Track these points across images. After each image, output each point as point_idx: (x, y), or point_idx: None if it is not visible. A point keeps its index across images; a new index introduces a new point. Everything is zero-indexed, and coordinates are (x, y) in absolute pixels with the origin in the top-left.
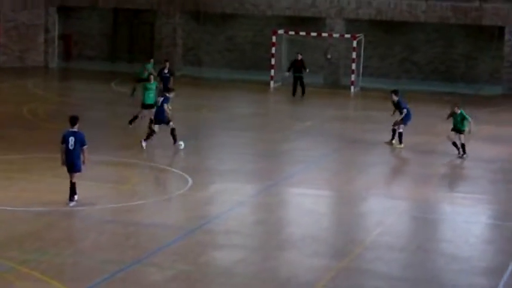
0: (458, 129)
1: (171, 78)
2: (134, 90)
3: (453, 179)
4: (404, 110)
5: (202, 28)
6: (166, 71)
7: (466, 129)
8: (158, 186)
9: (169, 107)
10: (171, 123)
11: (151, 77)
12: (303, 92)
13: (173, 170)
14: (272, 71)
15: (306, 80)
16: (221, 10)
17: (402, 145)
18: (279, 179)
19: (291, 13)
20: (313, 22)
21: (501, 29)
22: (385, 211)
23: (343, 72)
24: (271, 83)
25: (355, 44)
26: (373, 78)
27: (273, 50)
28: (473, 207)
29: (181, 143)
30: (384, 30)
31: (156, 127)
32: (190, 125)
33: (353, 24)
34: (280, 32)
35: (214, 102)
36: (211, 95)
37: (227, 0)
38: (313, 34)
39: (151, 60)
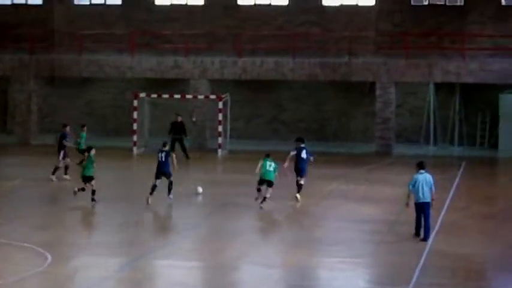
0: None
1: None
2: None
3: (329, 242)
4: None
5: (59, 92)
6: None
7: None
8: (13, 264)
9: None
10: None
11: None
12: (187, 156)
13: (29, 245)
14: (135, 137)
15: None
16: (78, 74)
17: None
18: (145, 251)
19: (153, 75)
20: (177, 84)
21: (372, 84)
22: (260, 280)
23: (210, 135)
24: (134, 149)
25: (220, 105)
26: (241, 140)
27: (135, 114)
28: (350, 271)
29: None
30: (250, 89)
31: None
32: (45, 195)
33: (218, 85)
34: (142, 95)
35: (72, 171)
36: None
37: (84, 63)
38: (177, 96)
39: (85, 128)
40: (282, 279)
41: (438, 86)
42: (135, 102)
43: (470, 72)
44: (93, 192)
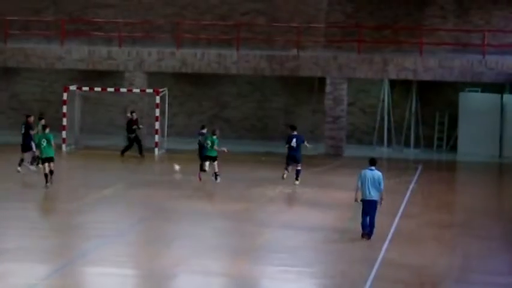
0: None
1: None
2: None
3: (272, 250)
4: (286, 145)
5: None
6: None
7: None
8: None
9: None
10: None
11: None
12: (141, 154)
13: None
14: (64, 133)
15: (101, 143)
16: (2, 64)
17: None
18: (74, 257)
19: (85, 66)
20: (110, 76)
21: (321, 80)
22: None
23: (146, 132)
24: (63, 146)
25: (158, 99)
26: (180, 138)
27: (65, 108)
28: (296, 282)
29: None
30: (190, 83)
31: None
32: None
33: (155, 78)
34: (72, 88)
35: None
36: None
37: (9, 52)
38: (111, 90)
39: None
40: None
41: (393, 83)
42: (65, 96)
43: (428, 69)
44: (52, 172)
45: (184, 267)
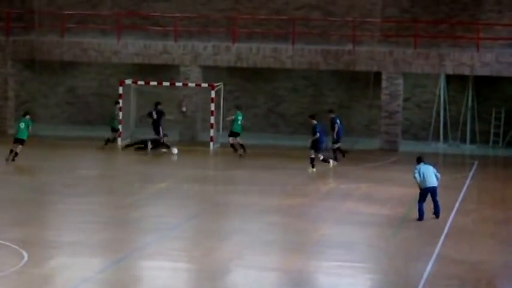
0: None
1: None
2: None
3: (327, 245)
4: (317, 135)
5: (39, 78)
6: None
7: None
8: None
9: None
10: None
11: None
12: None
13: (3, 242)
14: (120, 127)
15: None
16: (59, 58)
17: (313, 170)
18: (129, 251)
19: (140, 60)
20: (166, 70)
21: (377, 75)
22: (252, 284)
23: (201, 127)
24: (119, 140)
25: (213, 94)
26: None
27: (120, 102)
28: (351, 277)
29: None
30: (245, 78)
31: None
32: (24, 190)
33: (211, 72)
34: (128, 81)
35: (53, 164)
36: (49, 156)
37: (66, 46)
38: (166, 84)
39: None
40: (276, 284)
41: (449, 79)
42: (121, 90)
43: (485, 64)
44: (16, 154)
45: (239, 262)
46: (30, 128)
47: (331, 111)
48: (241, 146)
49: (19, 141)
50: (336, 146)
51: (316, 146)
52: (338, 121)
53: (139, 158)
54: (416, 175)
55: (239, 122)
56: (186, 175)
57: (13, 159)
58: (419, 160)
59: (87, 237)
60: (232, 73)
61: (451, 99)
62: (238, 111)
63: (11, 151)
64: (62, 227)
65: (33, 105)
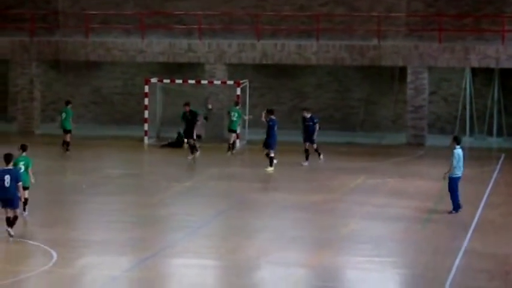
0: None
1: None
2: None
3: (355, 240)
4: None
5: (64, 79)
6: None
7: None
8: (16, 262)
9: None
10: None
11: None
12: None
13: (33, 243)
14: (146, 125)
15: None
16: (84, 58)
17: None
18: (157, 249)
19: (165, 59)
20: (190, 68)
21: (403, 70)
22: (279, 281)
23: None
24: (146, 138)
25: (239, 91)
26: (259, 129)
27: (146, 101)
28: (379, 272)
29: None
30: (270, 75)
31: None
32: (52, 190)
33: (236, 70)
34: (154, 80)
35: (80, 164)
36: (76, 156)
37: (91, 46)
38: (191, 82)
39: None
40: (304, 280)
41: (475, 72)
42: (146, 88)
43: (510, 57)
44: (65, 143)
45: (267, 259)
46: (71, 118)
47: (306, 109)
48: (233, 144)
49: (64, 131)
50: (315, 146)
51: (268, 142)
52: (314, 121)
53: (165, 157)
54: (454, 158)
55: (234, 119)
56: (212, 173)
57: (67, 150)
58: (457, 141)
59: (115, 236)
60: (257, 70)
61: (477, 92)
62: (235, 108)
63: (63, 143)
64: (90, 227)
65: (59, 105)
